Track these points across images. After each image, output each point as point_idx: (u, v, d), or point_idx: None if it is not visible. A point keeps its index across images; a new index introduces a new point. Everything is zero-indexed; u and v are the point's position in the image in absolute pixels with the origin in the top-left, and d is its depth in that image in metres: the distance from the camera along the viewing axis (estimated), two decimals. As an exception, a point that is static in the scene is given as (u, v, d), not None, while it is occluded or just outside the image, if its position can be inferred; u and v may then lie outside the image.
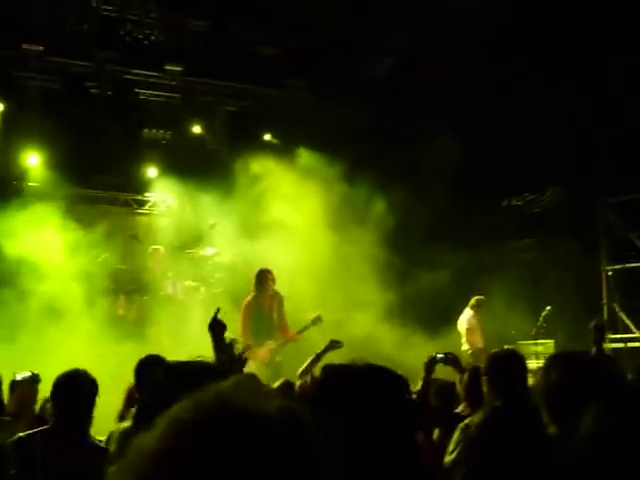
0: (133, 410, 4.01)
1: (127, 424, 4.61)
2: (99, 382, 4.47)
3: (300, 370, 6.84)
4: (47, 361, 4.94)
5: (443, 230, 12.49)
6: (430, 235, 12.36)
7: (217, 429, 0.94)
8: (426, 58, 12.19)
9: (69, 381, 4.38)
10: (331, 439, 1.40)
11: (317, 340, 9.03)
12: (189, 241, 12.98)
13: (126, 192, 13.79)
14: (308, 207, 12.27)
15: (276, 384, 6.43)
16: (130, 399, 5.48)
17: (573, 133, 11.87)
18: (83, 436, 4.36)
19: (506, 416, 2.53)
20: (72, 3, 12.79)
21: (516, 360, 4.62)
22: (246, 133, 13.90)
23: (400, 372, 2.09)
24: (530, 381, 4.70)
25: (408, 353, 9.56)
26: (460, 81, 12.20)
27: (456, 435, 4.59)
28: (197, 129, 13.77)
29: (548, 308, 11.69)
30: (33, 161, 12.43)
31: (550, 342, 11.79)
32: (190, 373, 2.32)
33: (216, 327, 4.07)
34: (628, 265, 12.52)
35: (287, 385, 6.37)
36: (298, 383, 6.46)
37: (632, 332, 12.30)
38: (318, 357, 6.95)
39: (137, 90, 13.48)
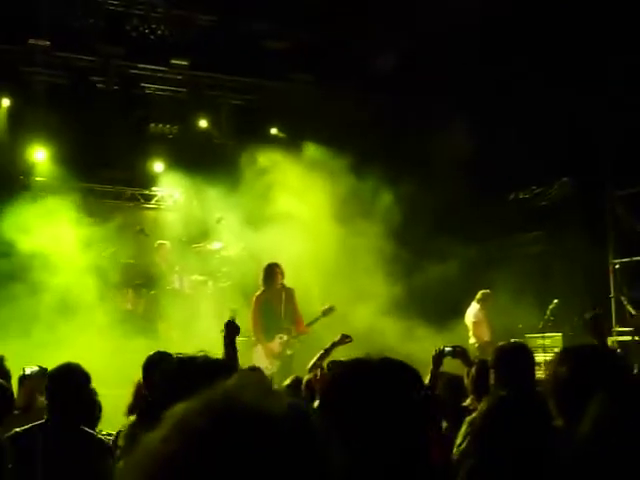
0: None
1: (133, 418, 4.64)
2: (110, 376, 4.50)
3: (309, 365, 6.84)
4: (58, 355, 4.96)
5: (450, 223, 12.48)
6: (437, 228, 12.35)
7: (224, 430, 0.93)
8: (429, 55, 12.18)
9: (61, 374, 4.42)
10: (344, 436, 1.40)
11: (326, 334, 9.04)
12: (196, 235, 13.00)
13: (133, 187, 13.83)
14: (315, 200, 12.26)
15: (286, 381, 6.44)
16: (139, 394, 5.49)
17: (580, 126, 11.83)
18: (79, 428, 4.38)
19: (511, 405, 2.52)
20: (78, -2, 12.80)
21: (524, 353, 4.61)
22: (253, 127, 13.89)
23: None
24: (537, 374, 4.70)
25: (415, 346, 9.55)
26: (460, 79, 12.20)
27: (464, 429, 4.58)
28: (203, 123, 13.77)
29: (555, 301, 11.67)
30: (40, 156, 12.46)
31: (558, 335, 11.76)
32: (199, 369, 2.33)
33: (230, 329, 4.42)
34: (636, 258, 12.47)
35: (297, 382, 6.37)
36: (306, 377, 6.46)
37: (640, 325, 12.26)
38: (327, 352, 6.93)
39: (143, 85, 13.49)
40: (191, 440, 0.93)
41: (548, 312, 11.63)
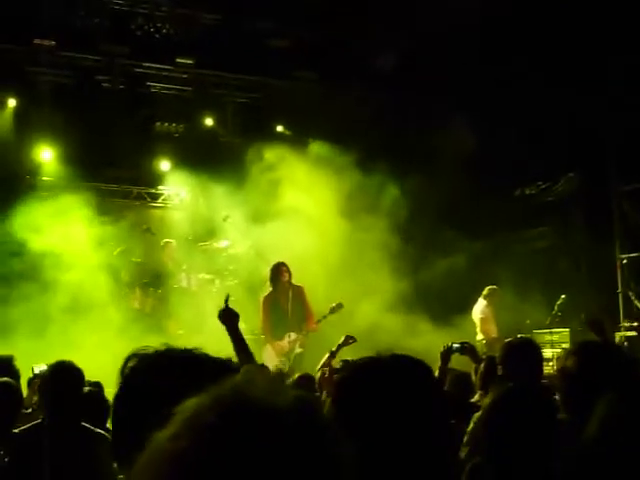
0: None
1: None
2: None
3: (318, 367, 6.88)
4: (69, 354, 4.97)
5: (457, 219, 12.47)
6: (443, 223, 12.34)
7: (234, 425, 0.93)
8: (429, 54, 12.17)
9: (55, 373, 4.45)
10: (362, 436, 1.39)
11: (333, 330, 9.05)
12: (203, 234, 13.02)
13: (139, 186, 13.83)
14: (320, 196, 12.27)
15: (294, 377, 6.46)
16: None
17: (583, 125, 11.81)
18: (78, 425, 4.40)
19: (517, 396, 2.51)
20: (83, -3, 12.82)
21: (532, 349, 4.60)
22: (258, 125, 13.89)
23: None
24: (546, 370, 4.69)
25: (421, 341, 9.55)
26: (461, 76, 12.20)
27: (471, 426, 4.58)
28: (209, 122, 13.78)
29: (563, 297, 11.65)
30: (46, 156, 12.48)
31: (565, 331, 11.74)
32: (205, 367, 2.32)
33: (228, 317, 3.85)
34: (643, 253, 12.45)
35: (307, 378, 6.39)
36: (317, 376, 6.50)
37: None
38: (333, 354, 6.97)
39: (149, 83, 13.50)
40: (201, 436, 0.93)
41: (556, 308, 11.60)
